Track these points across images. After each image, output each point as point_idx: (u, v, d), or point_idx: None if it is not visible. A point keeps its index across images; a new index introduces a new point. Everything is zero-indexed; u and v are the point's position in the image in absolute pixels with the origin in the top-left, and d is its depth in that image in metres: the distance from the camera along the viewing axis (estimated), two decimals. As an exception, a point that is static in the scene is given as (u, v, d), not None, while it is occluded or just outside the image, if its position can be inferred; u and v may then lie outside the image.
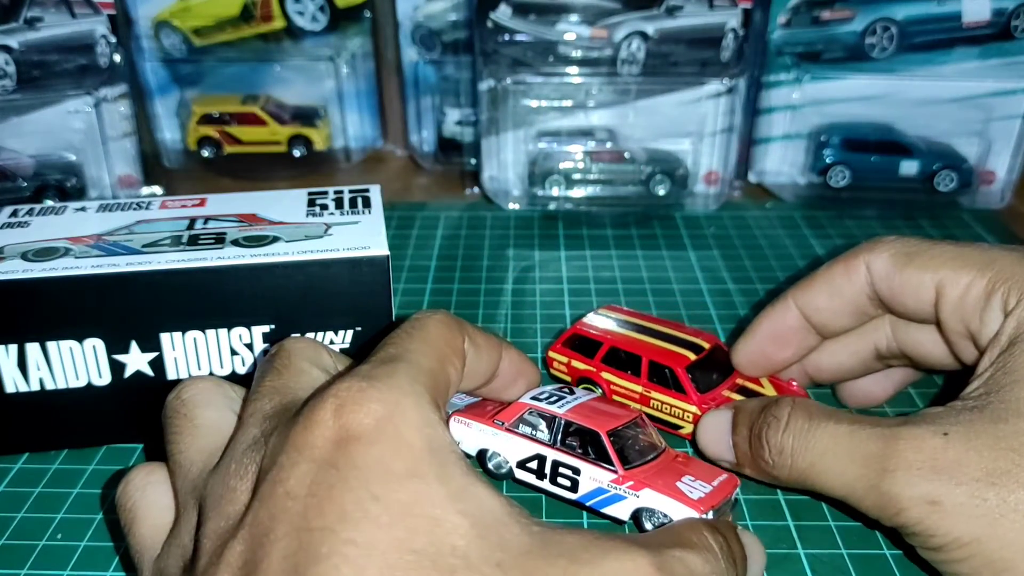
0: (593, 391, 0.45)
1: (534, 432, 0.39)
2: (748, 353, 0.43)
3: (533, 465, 0.39)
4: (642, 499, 0.36)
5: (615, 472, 0.37)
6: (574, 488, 0.38)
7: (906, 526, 0.32)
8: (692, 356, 0.43)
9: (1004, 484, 0.30)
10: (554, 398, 0.40)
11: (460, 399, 0.43)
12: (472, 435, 0.40)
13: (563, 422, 0.38)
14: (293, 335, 0.38)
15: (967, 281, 0.36)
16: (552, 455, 0.38)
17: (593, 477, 0.37)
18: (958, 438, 0.32)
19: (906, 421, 0.33)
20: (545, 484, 0.39)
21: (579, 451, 0.38)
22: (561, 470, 0.38)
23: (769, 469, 0.36)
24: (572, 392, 0.41)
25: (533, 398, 0.40)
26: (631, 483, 0.36)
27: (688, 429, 0.43)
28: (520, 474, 0.39)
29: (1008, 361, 0.33)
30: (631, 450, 0.38)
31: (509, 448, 0.39)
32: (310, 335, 0.42)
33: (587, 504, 0.38)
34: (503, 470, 0.40)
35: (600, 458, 0.37)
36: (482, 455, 0.40)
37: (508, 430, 0.39)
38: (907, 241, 0.39)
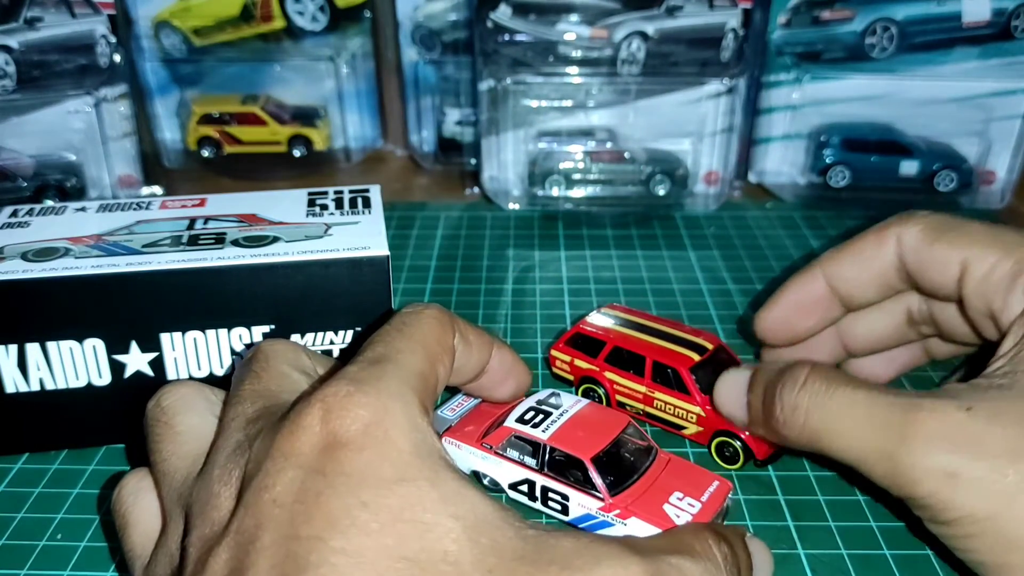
0: (596, 390, 0.46)
1: (521, 456, 0.38)
2: (772, 320, 0.43)
3: (524, 488, 0.38)
4: (630, 527, 0.36)
5: (602, 500, 0.36)
6: (565, 511, 0.37)
7: (919, 497, 0.32)
8: (696, 357, 0.43)
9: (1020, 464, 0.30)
10: (540, 417, 0.39)
11: (452, 411, 0.43)
12: (463, 457, 0.40)
13: (548, 448, 0.37)
14: (274, 337, 0.37)
15: (993, 261, 0.36)
16: (540, 480, 0.38)
17: (581, 504, 0.37)
18: (981, 413, 0.31)
19: (928, 394, 0.33)
20: (537, 506, 0.38)
21: (566, 477, 0.37)
22: (551, 495, 0.38)
23: (779, 427, 0.36)
24: (558, 406, 0.40)
25: (519, 419, 0.39)
26: (618, 511, 0.36)
27: (691, 430, 0.43)
28: (512, 495, 0.39)
29: None
30: (622, 460, 0.38)
31: (499, 472, 0.39)
32: (310, 335, 0.42)
33: (579, 527, 0.37)
34: (497, 489, 0.40)
35: (587, 484, 0.37)
36: (475, 475, 0.40)
37: (496, 454, 0.39)
38: (939, 217, 0.39)
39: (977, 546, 0.31)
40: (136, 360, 0.41)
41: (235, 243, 0.42)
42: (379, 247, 0.41)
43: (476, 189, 0.74)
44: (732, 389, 0.40)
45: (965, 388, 0.33)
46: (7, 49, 0.62)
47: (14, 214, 0.46)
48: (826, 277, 0.42)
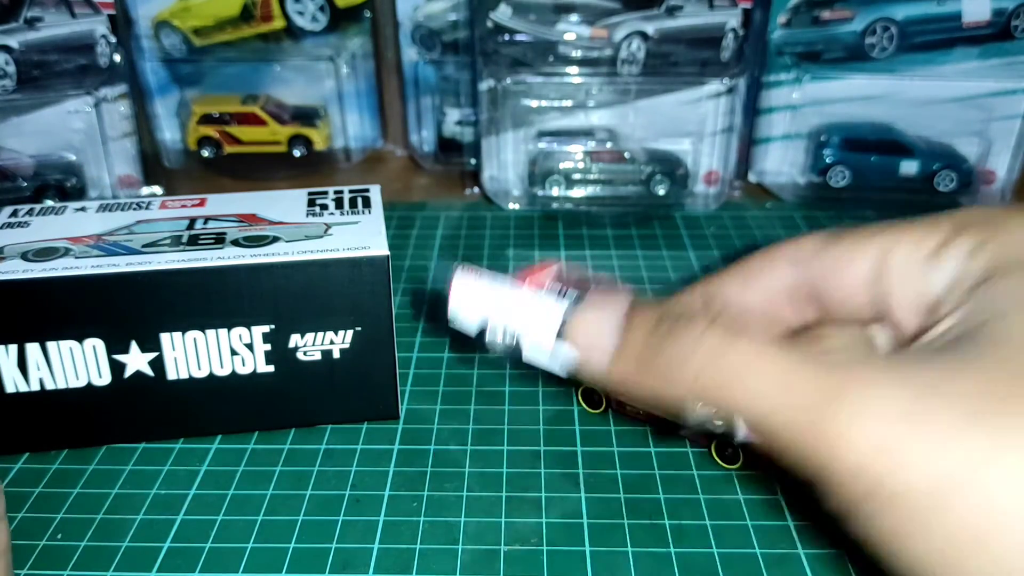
0: (596, 390, 0.45)
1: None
2: None
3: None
4: None
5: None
6: None
7: (844, 473, 0.25)
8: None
9: (984, 428, 0.23)
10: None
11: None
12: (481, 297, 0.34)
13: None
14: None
15: (916, 238, 0.30)
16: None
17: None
18: (928, 378, 0.25)
19: (866, 356, 0.29)
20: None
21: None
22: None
23: (660, 380, 0.30)
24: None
25: None
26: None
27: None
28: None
29: (982, 296, 0.27)
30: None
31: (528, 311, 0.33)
32: (310, 335, 0.42)
33: None
34: (512, 341, 0.34)
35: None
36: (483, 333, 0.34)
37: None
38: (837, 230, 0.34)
39: (911, 541, 0.24)
40: (136, 360, 0.41)
41: (235, 243, 0.42)
42: (379, 247, 0.41)
43: (476, 189, 0.74)
44: (599, 327, 0.32)
45: (908, 353, 0.28)
46: (7, 49, 0.62)
47: (14, 214, 0.46)
48: (703, 297, 0.35)
